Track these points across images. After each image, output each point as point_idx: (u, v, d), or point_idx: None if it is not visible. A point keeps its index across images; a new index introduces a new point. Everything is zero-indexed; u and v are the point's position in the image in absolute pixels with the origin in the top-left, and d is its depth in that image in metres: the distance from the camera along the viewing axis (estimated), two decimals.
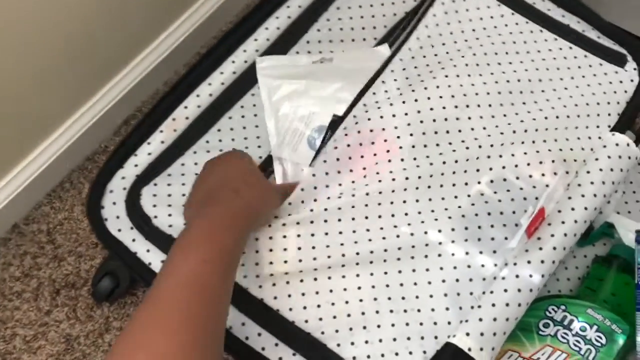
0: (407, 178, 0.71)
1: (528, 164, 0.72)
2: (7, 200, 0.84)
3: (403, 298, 0.66)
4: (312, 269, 0.67)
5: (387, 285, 0.67)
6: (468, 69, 0.77)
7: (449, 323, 0.65)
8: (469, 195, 0.70)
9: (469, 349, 0.62)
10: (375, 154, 0.73)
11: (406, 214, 0.70)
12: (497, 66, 0.78)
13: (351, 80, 0.76)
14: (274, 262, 0.67)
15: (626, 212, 0.81)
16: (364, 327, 0.65)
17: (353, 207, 0.70)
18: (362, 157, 0.72)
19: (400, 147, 0.73)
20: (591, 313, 0.69)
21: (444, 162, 0.72)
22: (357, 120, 0.73)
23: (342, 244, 0.69)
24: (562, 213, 0.68)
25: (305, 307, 0.66)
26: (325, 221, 0.69)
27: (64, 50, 0.79)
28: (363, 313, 0.65)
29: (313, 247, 0.68)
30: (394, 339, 0.64)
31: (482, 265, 0.67)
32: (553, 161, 0.72)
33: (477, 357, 0.61)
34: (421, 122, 0.74)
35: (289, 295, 0.66)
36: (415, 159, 0.72)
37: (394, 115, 0.74)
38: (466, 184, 0.71)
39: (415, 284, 0.67)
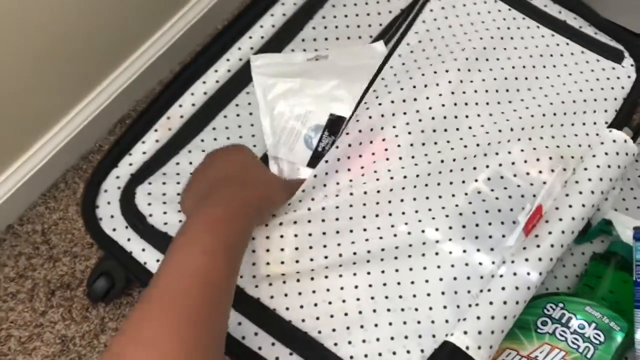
0: (405, 177, 0.71)
1: (525, 161, 0.72)
2: (1, 201, 0.83)
3: (400, 297, 0.66)
4: (309, 269, 0.67)
5: (385, 284, 0.66)
6: (465, 65, 0.77)
7: (447, 321, 0.64)
8: (466, 194, 0.70)
9: (467, 348, 0.61)
10: (373, 153, 0.72)
11: (403, 213, 0.70)
12: (495, 62, 0.78)
13: (347, 77, 0.76)
14: (271, 262, 0.67)
15: (624, 209, 0.81)
16: (362, 326, 0.65)
17: (351, 205, 0.70)
18: (360, 155, 0.72)
19: (399, 146, 0.73)
20: (589, 311, 0.69)
21: (442, 161, 0.72)
22: (358, 118, 0.73)
23: (339, 244, 0.68)
24: (559, 210, 0.68)
25: (302, 306, 0.65)
26: (323, 220, 0.69)
27: (57, 49, 0.79)
28: (360, 312, 0.65)
29: (310, 247, 0.68)
30: (392, 338, 0.64)
31: (480, 263, 0.67)
32: (550, 158, 0.72)
33: (475, 356, 0.61)
34: (419, 120, 0.74)
35: (286, 295, 0.66)
36: (413, 157, 0.72)
37: (393, 114, 0.73)
38: (463, 182, 0.71)
39: (412, 282, 0.66)
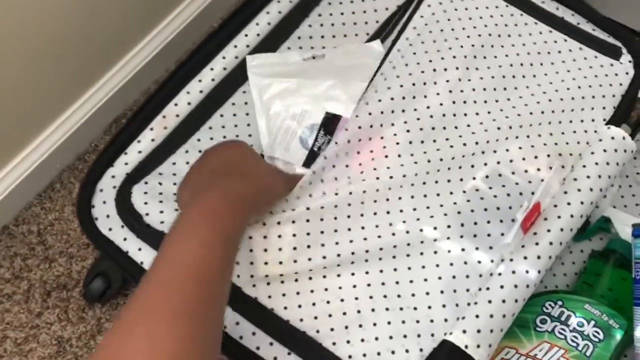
0: (404, 175, 0.71)
1: (523, 159, 0.71)
2: None
3: (399, 296, 0.66)
4: (307, 268, 0.67)
5: (383, 283, 0.66)
6: (464, 63, 0.77)
7: (446, 320, 0.64)
8: (464, 192, 0.70)
9: (466, 346, 0.61)
10: (372, 150, 0.72)
11: (401, 211, 0.69)
12: (493, 60, 0.78)
13: (343, 77, 0.76)
14: (269, 262, 0.67)
15: (622, 206, 0.81)
16: (360, 326, 0.64)
17: (349, 204, 0.70)
18: (358, 152, 0.72)
19: (397, 144, 0.72)
20: (588, 308, 0.69)
21: (440, 159, 0.72)
22: (357, 114, 0.72)
23: (337, 243, 0.68)
24: (558, 208, 0.68)
25: (300, 306, 0.65)
26: (322, 219, 0.69)
27: (52, 48, 0.79)
28: (359, 311, 0.65)
29: (308, 247, 0.68)
30: (390, 337, 0.64)
31: (479, 262, 0.67)
32: (548, 155, 0.72)
33: (474, 354, 0.61)
34: (418, 119, 0.73)
35: (284, 294, 0.65)
36: (412, 155, 0.72)
37: (392, 112, 0.73)
38: (462, 180, 0.71)
39: (411, 281, 0.66)
